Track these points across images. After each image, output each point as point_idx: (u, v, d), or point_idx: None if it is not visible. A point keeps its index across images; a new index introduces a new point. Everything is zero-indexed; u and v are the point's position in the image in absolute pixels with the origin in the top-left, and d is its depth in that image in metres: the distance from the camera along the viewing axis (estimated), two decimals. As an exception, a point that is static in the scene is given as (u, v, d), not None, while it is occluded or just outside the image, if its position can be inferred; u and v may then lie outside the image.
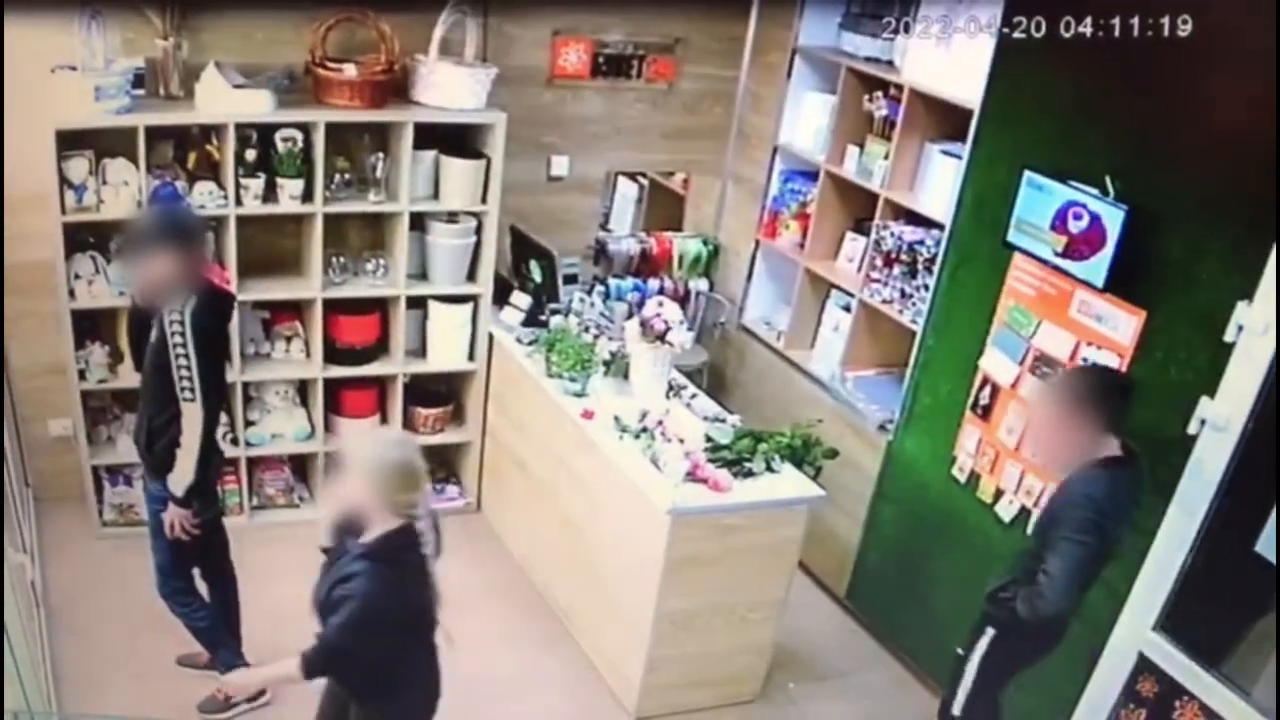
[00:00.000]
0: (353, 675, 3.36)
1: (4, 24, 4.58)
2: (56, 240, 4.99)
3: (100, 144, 5.01)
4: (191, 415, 4.15)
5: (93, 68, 4.82)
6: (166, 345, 4.07)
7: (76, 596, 5.12)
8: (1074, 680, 4.42)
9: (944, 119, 5.24)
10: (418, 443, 3.32)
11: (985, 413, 4.79)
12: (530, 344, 5.57)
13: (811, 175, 5.99)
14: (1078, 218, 4.23)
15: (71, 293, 5.14)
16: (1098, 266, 4.17)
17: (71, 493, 5.52)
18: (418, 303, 5.77)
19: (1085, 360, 4.32)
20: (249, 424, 5.71)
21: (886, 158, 5.44)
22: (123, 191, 5.06)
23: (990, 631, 4.07)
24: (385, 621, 3.21)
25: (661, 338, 5.11)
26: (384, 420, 5.96)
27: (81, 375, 5.29)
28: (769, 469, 4.76)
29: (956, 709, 4.24)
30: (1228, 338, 3.82)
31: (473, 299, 5.80)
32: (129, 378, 5.31)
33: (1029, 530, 4.20)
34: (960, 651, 4.19)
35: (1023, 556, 4.03)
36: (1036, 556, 3.87)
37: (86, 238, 5.18)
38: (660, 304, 5.19)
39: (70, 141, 4.90)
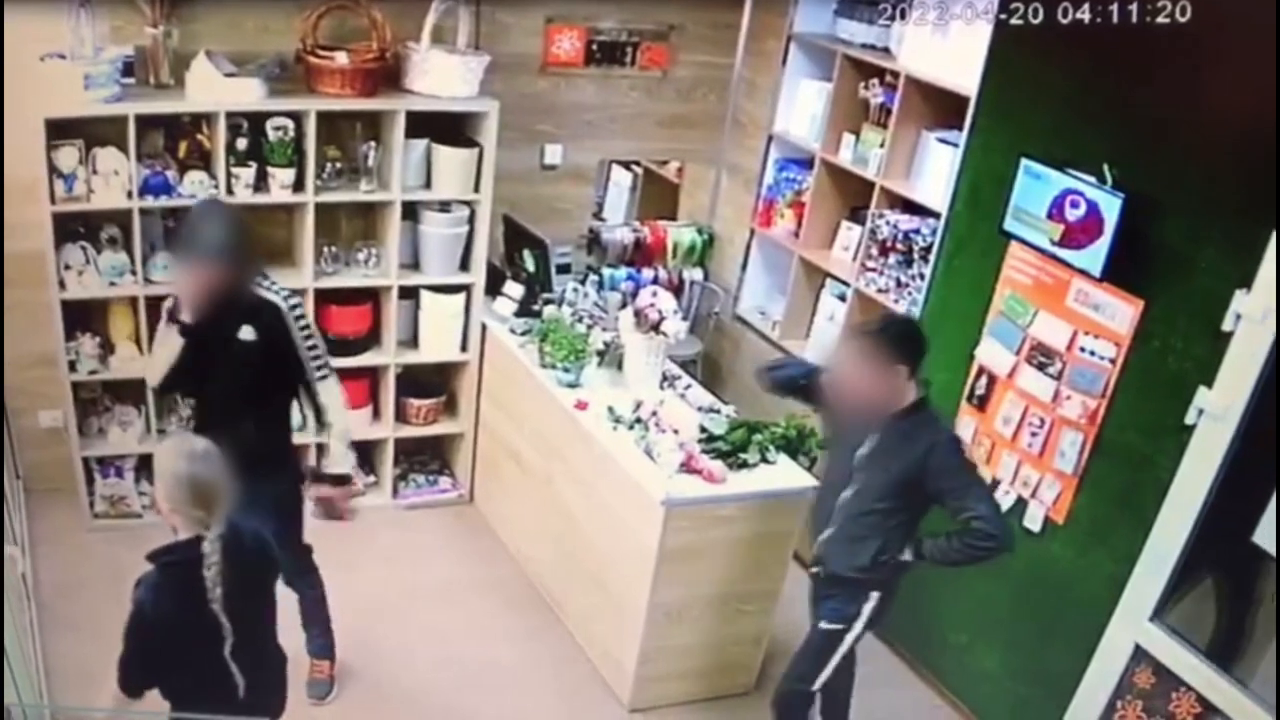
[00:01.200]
0: (150, 681, 3.27)
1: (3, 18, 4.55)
2: (46, 230, 4.95)
3: (90, 133, 4.96)
4: (332, 387, 4.21)
5: (82, 56, 4.80)
6: (287, 335, 4.06)
7: (68, 589, 5.10)
8: (1072, 671, 4.44)
9: (940, 107, 5.22)
10: (220, 460, 3.16)
11: (981, 403, 4.78)
12: (523, 334, 5.55)
13: (807, 163, 5.96)
14: (1075, 206, 4.21)
15: (61, 283, 5.11)
16: (1095, 255, 4.16)
17: (62, 484, 5.50)
18: (410, 293, 5.74)
19: (1083, 350, 4.30)
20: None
21: (882, 146, 5.42)
22: (113, 181, 5.02)
23: (874, 596, 4.09)
24: (150, 627, 3.15)
25: (655, 328, 5.10)
26: (376, 412, 5.93)
27: (72, 366, 5.26)
28: (764, 460, 4.76)
29: (819, 683, 4.27)
30: (1226, 327, 3.83)
31: (465, 289, 5.77)
32: (119, 369, 5.34)
33: (871, 501, 3.98)
34: (836, 626, 4.18)
35: (864, 520, 3.99)
36: (899, 510, 3.93)
37: (76, 227, 5.15)
38: (654, 294, 5.19)
39: (60, 130, 4.87)
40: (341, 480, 4.35)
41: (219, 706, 3.32)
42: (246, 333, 4.04)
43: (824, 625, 4.22)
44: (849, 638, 4.17)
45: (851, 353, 3.92)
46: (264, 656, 3.46)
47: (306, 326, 4.13)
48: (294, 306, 4.10)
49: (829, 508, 4.11)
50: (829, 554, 4.15)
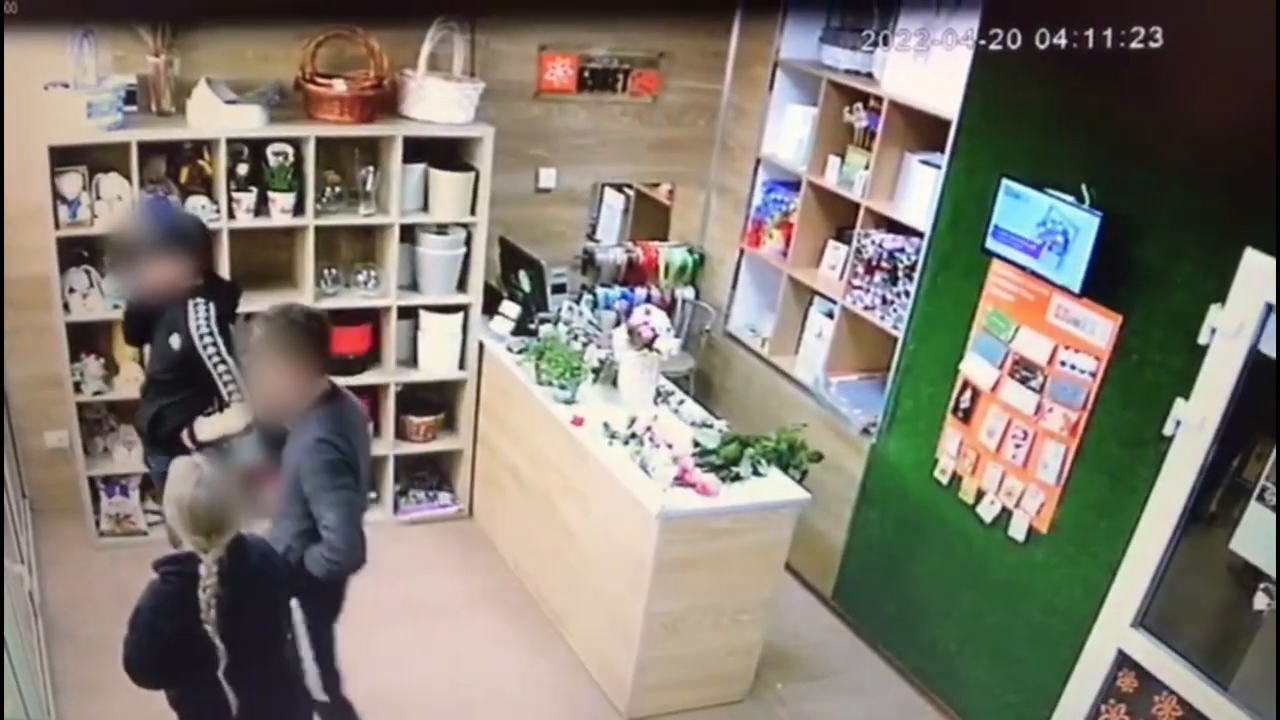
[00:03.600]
0: (145, 682, 3.36)
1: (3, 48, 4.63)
2: (51, 255, 5.03)
3: (93, 159, 5.06)
4: (239, 411, 4.39)
5: (85, 85, 4.87)
6: (195, 351, 4.28)
7: (74, 606, 5.15)
8: (1055, 676, 4.51)
9: (923, 130, 5.32)
10: (218, 486, 3.18)
11: (966, 416, 4.88)
12: (520, 352, 5.63)
13: (794, 185, 6.07)
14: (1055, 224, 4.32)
15: (66, 306, 5.19)
16: (1074, 271, 4.26)
17: (68, 504, 5.56)
18: (409, 313, 5.83)
19: (1064, 364, 4.41)
20: (243, 434, 5.77)
21: (867, 168, 5.52)
22: (116, 206, 5.11)
23: (294, 603, 3.77)
24: (145, 632, 3.23)
25: (649, 345, 5.18)
26: (377, 429, 6.00)
27: (77, 388, 5.33)
28: (755, 473, 4.82)
29: (319, 693, 4.04)
30: (1201, 340, 3.92)
31: (463, 309, 5.85)
32: (124, 390, 5.39)
33: (284, 505, 3.78)
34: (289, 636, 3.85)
35: (282, 525, 3.78)
36: (301, 517, 3.68)
37: (80, 252, 5.23)
38: (647, 312, 5.26)
39: (63, 157, 4.95)
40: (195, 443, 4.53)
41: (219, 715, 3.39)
42: (175, 341, 4.35)
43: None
44: (303, 649, 3.92)
45: (253, 345, 3.73)
46: (266, 678, 3.45)
47: (215, 355, 4.33)
48: (202, 337, 4.32)
49: None
50: None
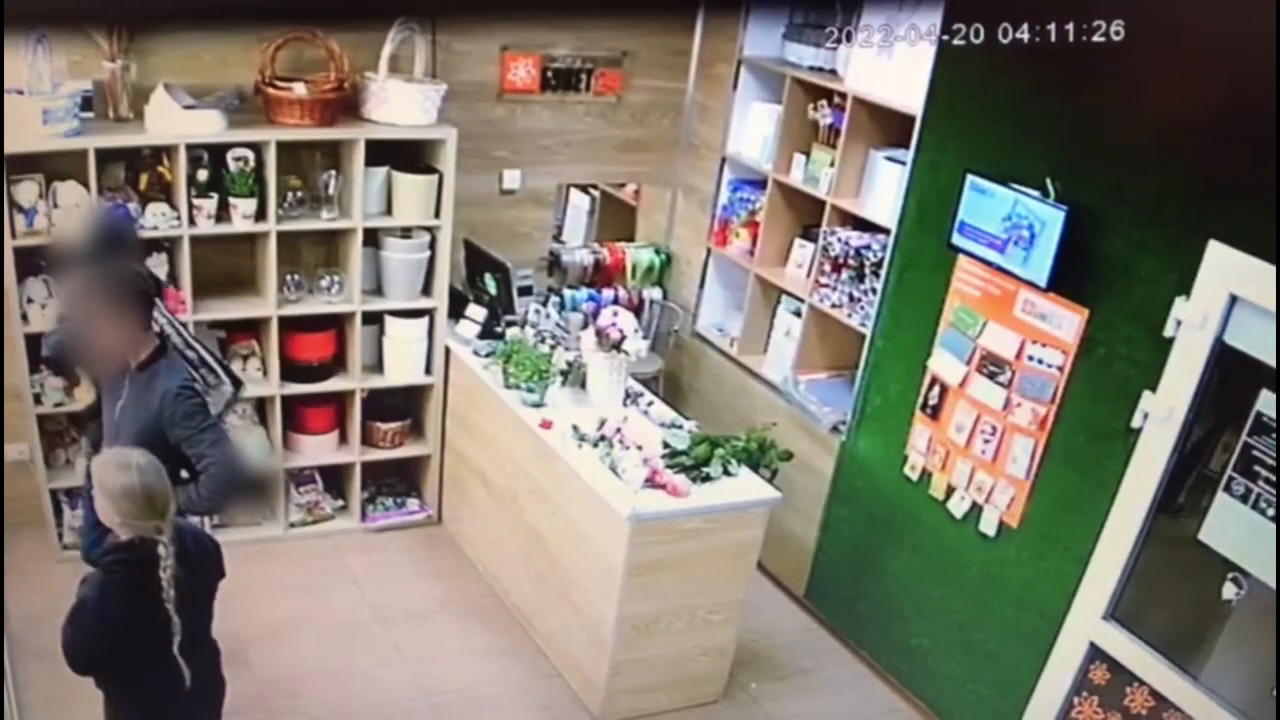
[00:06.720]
0: (88, 672, 3.41)
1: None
2: (8, 264, 4.96)
3: (50, 167, 4.99)
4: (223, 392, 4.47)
5: (40, 91, 4.80)
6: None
7: (38, 620, 5.02)
8: (1029, 670, 4.53)
9: (887, 126, 5.33)
10: (157, 468, 3.25)
11: (935, 412, 4.89)
12: (487, 356, 5.59)
13: (759, 184, 6.06)
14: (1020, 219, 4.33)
15: (24, 317, 5.12)
16: (1040, 266, 4.27)
17: (31, 517, 5.47)
18: (373, 318, 5.78)
19: (1032, 359, 4.42)
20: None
21: (832, 165, 5.52)
22: (74, 214, 5.03)
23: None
24: (94, 624, 3.25)
25: (617, 346, 5.17)
26: (343, 436, 5.97)
27: (37, 399, 5.26)
28: (726, 473, 4.82)
29: None
30: (1167, 333, 3.94)
31: (428, 313, 5.81)
32: (85, 401, 5.30)
33: None
34: None
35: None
36: (169, 465, 3.63)
37: (38, 261, 5.15)
38: (615, 313, 5.25)
39: (19, 165, 4.88)
40: None
41: (167, 699, 3.42)
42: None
43: None
44: None
45: (84, 306, 3.89)
46: (209, 647, 3.60)
47: (182, 343, 4.41)
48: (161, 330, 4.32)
49: None
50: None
